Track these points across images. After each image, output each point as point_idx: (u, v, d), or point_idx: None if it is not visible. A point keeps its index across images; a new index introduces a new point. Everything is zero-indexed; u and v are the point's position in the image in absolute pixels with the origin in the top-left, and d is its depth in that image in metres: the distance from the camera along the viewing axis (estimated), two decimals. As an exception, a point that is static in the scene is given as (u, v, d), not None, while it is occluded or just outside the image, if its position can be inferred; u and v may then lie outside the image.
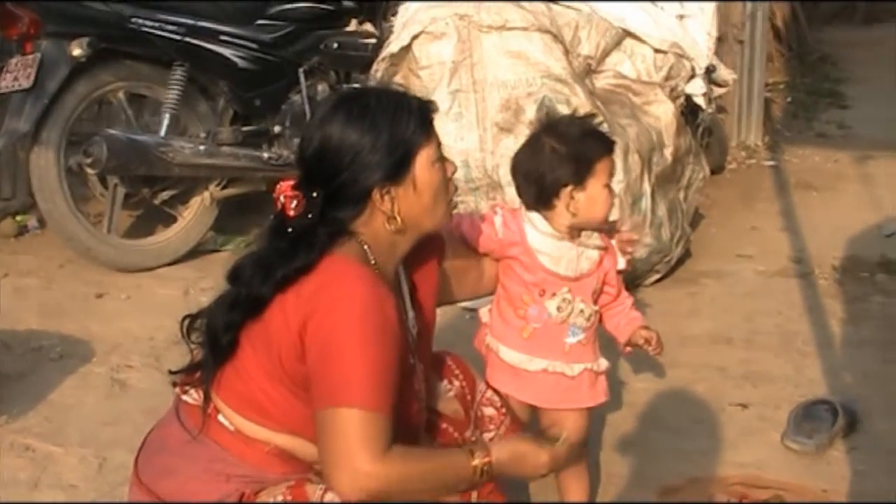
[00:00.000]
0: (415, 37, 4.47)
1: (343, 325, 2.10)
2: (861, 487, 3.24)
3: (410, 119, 2.25)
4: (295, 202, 2.21)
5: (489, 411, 2.71)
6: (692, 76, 4.94)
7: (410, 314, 2.45)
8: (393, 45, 4.54)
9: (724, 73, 5.41)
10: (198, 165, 4.74)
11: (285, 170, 5.05)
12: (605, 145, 2.74)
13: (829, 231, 5.50)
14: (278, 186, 2.26)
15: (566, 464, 2.60)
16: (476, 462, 2.21)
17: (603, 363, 2.84)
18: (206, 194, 4.89)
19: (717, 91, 5.47)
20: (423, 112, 2.29)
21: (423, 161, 2.26)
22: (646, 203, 4.54)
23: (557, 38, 4.50)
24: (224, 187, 4.95)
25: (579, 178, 2.67)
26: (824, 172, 6.65)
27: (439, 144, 2.31)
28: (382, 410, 2.09)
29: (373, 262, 2.26)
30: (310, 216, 2.20)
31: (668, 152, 4.67)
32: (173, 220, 4.95)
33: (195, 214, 4.92)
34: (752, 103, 7.11)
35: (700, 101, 4.97)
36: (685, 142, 4.80)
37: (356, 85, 5.36)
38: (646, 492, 3.23)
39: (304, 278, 2.16)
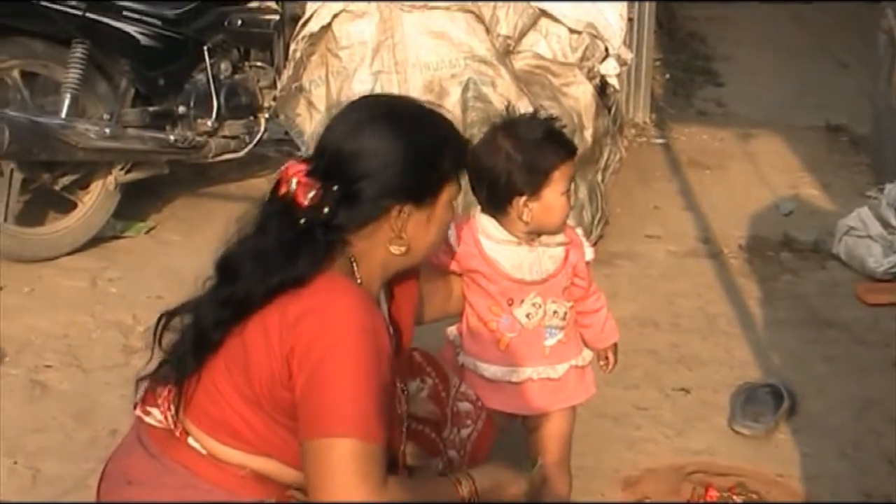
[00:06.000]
0: (335, 15, 4.32)
1: (337, 350, 1.98)
2: (812, 471, 3.30)
3: (452, 152, 2.21)
4: (312, 192, 2.05)
5: (465, 406, 2.62)
6: (605, 56, 4.92)
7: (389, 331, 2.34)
8: (312, 24, 4.37)
9: (623, 51, 5.41)
10: (103, 149, 4.47)
11: (190, 152, 4.86)
12: (564, 151, 2.58)
13: (729, 210, 5.59)
14: (287, 167, 2.09)
15: (543, 487, 2.59)
16: (464, 492, 2.22)
17: (587, 355, 2.77)
18: (110, 179, 4.62)
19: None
20: (462, 150, 2.25)
21: (445, 197, 2.21)
22: (568, 186, 4.49)
23: (479, 17, 4.41)
24: (128, 171, 4.69)
25: (533, 189, 2.53)
26: (713, 150, 6.75)
27: (460, 188, 2.27)
28: (378, 440, 1.99)
29: (358, 280, 2.14)
30: (325, 210, 2.06)
31: (587, 134, 4.64)
32: (72, 206, 4.66)
33: (96, 200, 4.64)
34: (640, 81, 7.14)
35: (614, 81, 4.95)
36: (603, 123, 4.78)
37: (258, 63, 5.18)
38: (606, 484, 3.21)
39: (293, 292, 2.02)
